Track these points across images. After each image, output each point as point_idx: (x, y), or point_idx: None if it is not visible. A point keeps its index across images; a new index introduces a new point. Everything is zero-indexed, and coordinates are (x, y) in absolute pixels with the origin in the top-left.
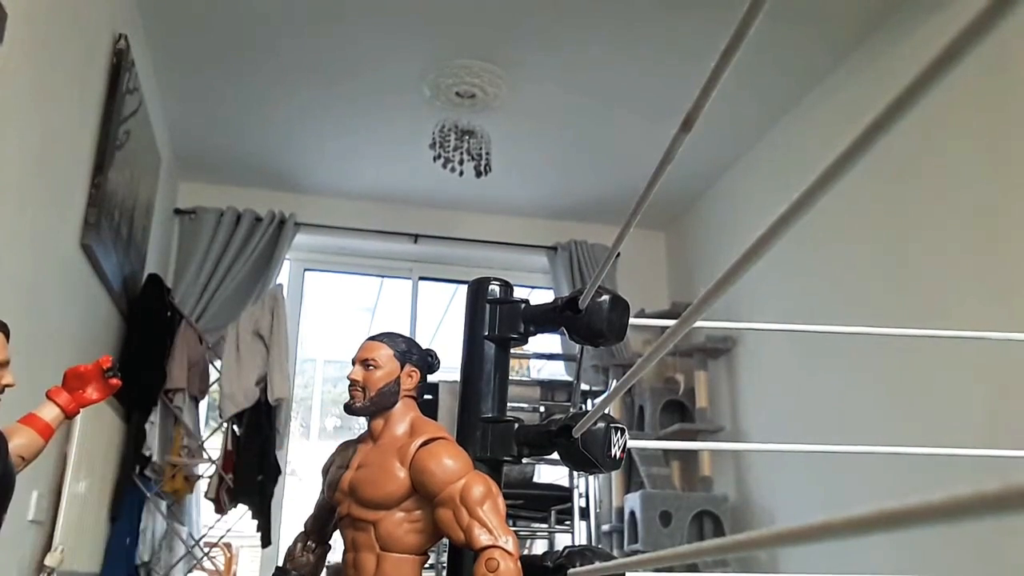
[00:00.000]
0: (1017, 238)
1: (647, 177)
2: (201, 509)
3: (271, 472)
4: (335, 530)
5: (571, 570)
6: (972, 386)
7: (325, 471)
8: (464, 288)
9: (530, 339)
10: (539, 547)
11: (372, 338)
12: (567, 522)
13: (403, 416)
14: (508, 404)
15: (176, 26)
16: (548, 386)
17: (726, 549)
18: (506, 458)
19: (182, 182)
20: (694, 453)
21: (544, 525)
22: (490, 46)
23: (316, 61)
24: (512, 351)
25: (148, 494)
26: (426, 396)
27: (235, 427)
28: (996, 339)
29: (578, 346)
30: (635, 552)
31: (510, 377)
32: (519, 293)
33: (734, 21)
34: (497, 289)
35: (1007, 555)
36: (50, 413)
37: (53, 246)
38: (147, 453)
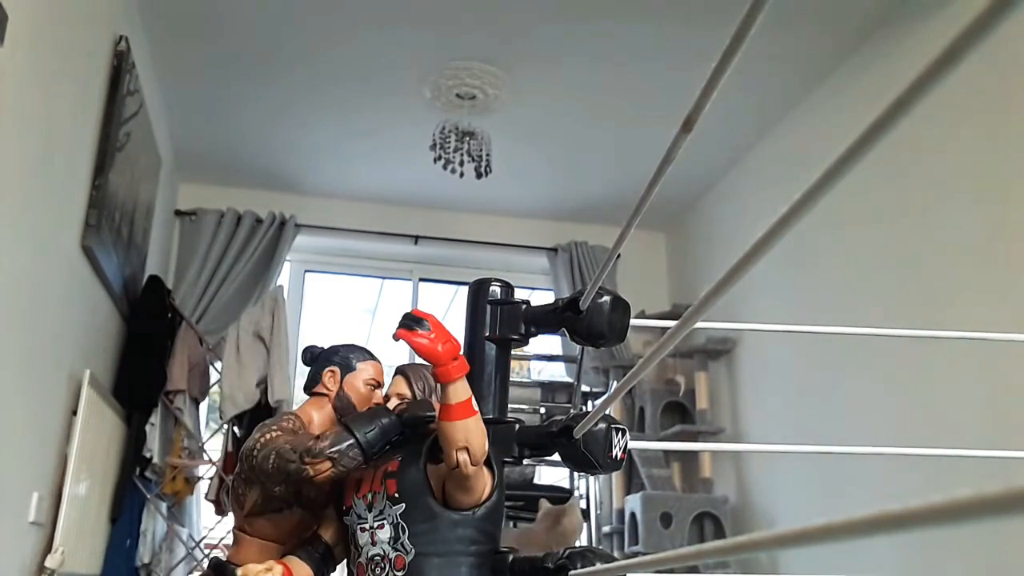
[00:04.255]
0: (1018, 239)
1: (647, 178)
2: (202, 511)
3: None
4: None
5: (572, 572)
6: (973, 386)
7: None
8: (465, 289)
9: (531, 340)
10: None
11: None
12: None
13: None
14: (508, 405)
15: (177, 28)
16: (548, 388)
17: (727, 551)
18: (507, 459)
19: (182, 183)
20: (694, 454)
21: None
22: (490, 48)
23: (316, 63)
24: (512, 352)
25: (148, 496)
26: None
27: (236, 429)
28: (997, 339)
29: (578, 347)
30: (636, 554)
31: (510, 379)
32: (519, 294)
33: (735, 23)
34: (498, 290)
35: (1008, 556)
36: None
37: (54, 247)
38: (147, 455)
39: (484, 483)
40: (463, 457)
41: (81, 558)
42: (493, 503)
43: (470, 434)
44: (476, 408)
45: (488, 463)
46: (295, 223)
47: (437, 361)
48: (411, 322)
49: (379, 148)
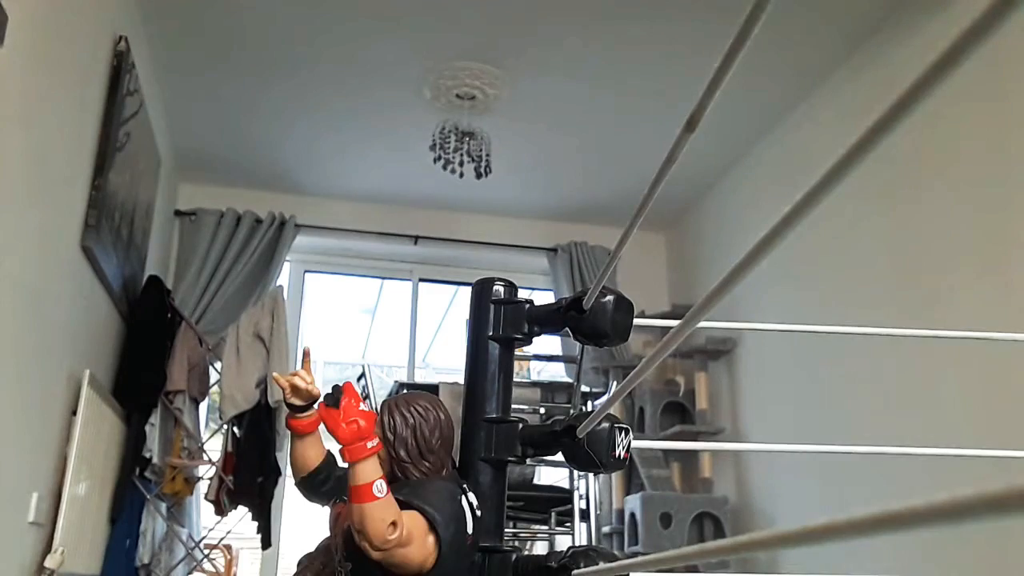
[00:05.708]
0: (1018, 238)
1: (647, 178)
2: (201, 511)
3: (271, 474)
4: None
5: (575, 571)
6: (972, 386)
7: None
8: (464, 290)
9: (533, 340)
10: (540, 548)
11: None
12: (567, 524)
13: None
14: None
15: (176, 28)
16: (548, 388)
17: (728, 550)
18: (510, 458)
19: (182, 184)
20: (694, 455)
21: (544, 527)
22: (490, 48)
23: (316, 63)
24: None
25: (148, 496)
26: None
27: (235, 429)
28: (996, 339)
29: (578, 348)
30: (635, 554)
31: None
32: (519, 295)
33: (736, 22)
34: (501, 290)
35: (1008, 556)
36: None
37: (54, 248)
38: (147, 455)
39: (420, 556)
40: (363, 543)
41: (81, 558)
42: (440, 572)
43: (364, 520)
44: (378, 493)
45: (433, 528)
46: (295, 223)
47: (340, 440)
48: (329, 397)
49: (379, 148)
